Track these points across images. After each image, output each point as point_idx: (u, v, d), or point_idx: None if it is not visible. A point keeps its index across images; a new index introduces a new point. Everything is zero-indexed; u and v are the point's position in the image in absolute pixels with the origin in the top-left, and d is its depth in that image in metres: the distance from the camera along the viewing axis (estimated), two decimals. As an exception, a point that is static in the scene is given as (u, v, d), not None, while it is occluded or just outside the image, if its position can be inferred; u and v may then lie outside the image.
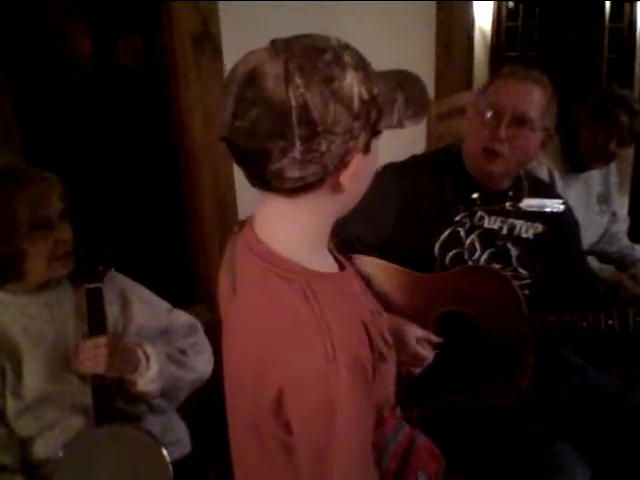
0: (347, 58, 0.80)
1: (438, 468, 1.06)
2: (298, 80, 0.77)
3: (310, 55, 0.78)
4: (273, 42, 0.82)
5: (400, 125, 0.87)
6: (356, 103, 0.79)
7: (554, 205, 1.68)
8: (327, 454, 0.84)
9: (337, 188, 0.85)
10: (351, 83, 0.79)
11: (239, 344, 0.93)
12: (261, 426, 0.91)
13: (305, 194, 0.84)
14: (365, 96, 0.80)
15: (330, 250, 0.99)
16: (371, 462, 0.89)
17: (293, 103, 0.76)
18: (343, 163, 0.82)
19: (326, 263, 0.94)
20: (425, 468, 1.02)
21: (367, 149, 0.85)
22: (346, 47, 0.82)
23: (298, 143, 0.78)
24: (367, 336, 0.87)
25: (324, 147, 0.79)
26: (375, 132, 0.85)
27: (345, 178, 0.84)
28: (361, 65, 0.81)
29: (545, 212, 1.65)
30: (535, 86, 1.51)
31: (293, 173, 0.81)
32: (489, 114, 1.51)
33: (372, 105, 0.81)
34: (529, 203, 1.65)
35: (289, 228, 0.89)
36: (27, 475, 1.34)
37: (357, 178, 0.86)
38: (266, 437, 0.91)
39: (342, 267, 0.98)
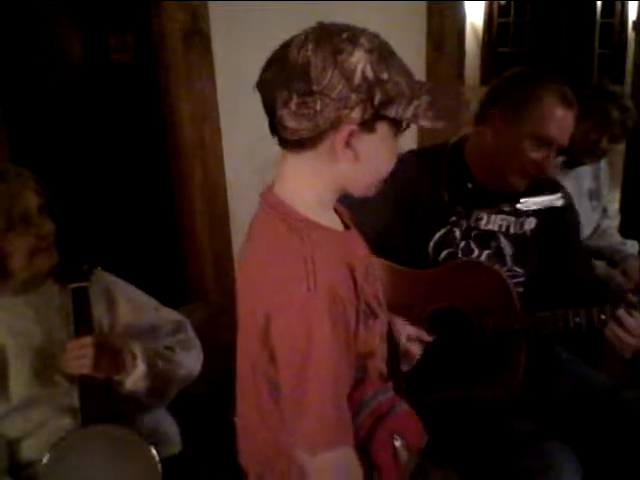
0: (363, 40, 0.88)
1: (418, 440, 1.08)
2: (310, 45, 0.88)
3: (331, 31, 0.89)
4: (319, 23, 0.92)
5: (415, 120, 0.92)
6: (357, 77, 0.87)
7: (553, 201, 1.67)
8: (302, 382, 0.92)
9: (333, 155, 0.92)
10: (357, 59, 0.87)
11: (243, 283, 1.02)
12: (255, 364, 0.99)
13: (306, 151, 0.93)
14: (370, 75, 0.87)
15: (339, 213, 1.07)
16: (343, 399, 0.95)
17: (299, 61, 0.88)
18: (334, 127, 0.89)
19: (332, 221, 1.02)
20: (402, 434, 1.04)
21: (370, 128, 0.91)
22: (370, 34, 0.90)
23: (295, 96, 0.88)
24: (353, 281, 0.95)
25: (318, 106, 0.88)
26: (380, 114, 0.90)
27: (338, 145, 0.91)
28: (379, 52, 0.88)
29: (543, 208, 1.64)
30: (574, 112, 1.50)
31: (290, 123, 0.90)
32: (535, 140, 1.49)
33: (377, 86, 0.88)
34: (528, 201, 1.64)
35: (299, 187, 0.98)
36: (14, 476, 1.33)
37: (359, 155, 0.93)
38: (258, 376, 0.99)
39: (348, 228, 1.07)
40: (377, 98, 0.88)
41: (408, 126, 0.97)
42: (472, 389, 1.52)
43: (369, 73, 0.87)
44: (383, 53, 0.89)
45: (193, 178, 2.21)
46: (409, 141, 2.59)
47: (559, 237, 1.66)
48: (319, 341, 0.90)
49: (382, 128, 0.93)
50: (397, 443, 1.03)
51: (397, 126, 0.94)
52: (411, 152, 1.74)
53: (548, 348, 1.70)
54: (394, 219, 1.58)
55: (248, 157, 2.16)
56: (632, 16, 5.21)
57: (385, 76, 0.88)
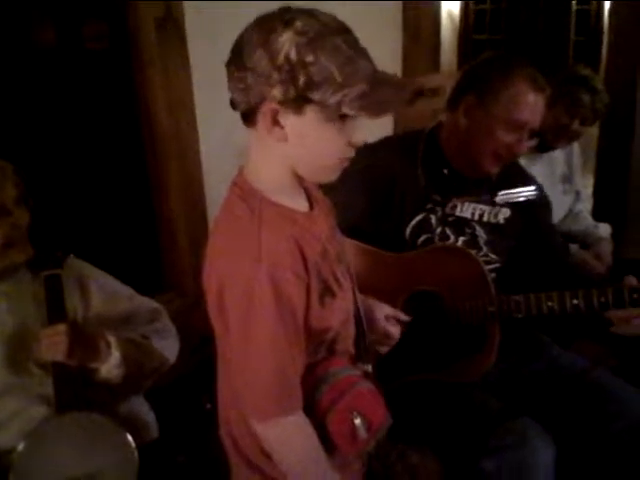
0: (299, 23, 0.90)
1: (380, 420, 1.08)
2: (253, 24, 0.93)
3: (277, 13, 0.93)
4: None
5: (339, 108, 0.92)
6: (281, 57, 0.89)
7: (528, 193, 1.70)
8: (244, 351, 0.97)
9: (270, 131, 0.95)
10: (284, 40, 0.89)
11: (207, 260, 1.04)
12: (219, 338, 1.04)
13: (254, 127, 0.97)
14: (293, 57, 0.89)
15: (309, 191, 1.09)
16: (288, 369, 0.98)
17: (243, 37, 0.93)
18: (261, 103, 0.93)
19: (292, 201, 1.04)
20: (363, 412, 1.05)
21: (296, 109, 0.93)
22: (312, 17, 0.91)
23: (234, 69, 0.94)
24: (302, 257, 0.98)
25: (249, 81, 0.92)
26: (305, 97, 0.91)
27: (264, 121, 0.94)
28: (312, 35, 0.89)
29: (517, 201, 1.67)
30: (544, 96, 1.53)
31: (233, 94, 0.96)
32: (508, 124, 1.51)
33: (300, 68, 0.89)
34: (504, 193, 1.66)
35: (258, 165, 1.02)
36: (-10, 465, 1.32)
37: (287, 135, 0.95)
38: (220, 346, 1.04)
39: (312, 209, 1.08)
40: (301, 80, 0.90)
41: (343, 114, 0.94)
42: (446, 371, 1.54)
43: (293, 54, 0.89)
44: (317, 37, 0.90)
45: (169, 166, 2.20)
46: (385, 128, 2.61)
47: (533, 227, 1.69)
48: (259, 310, 0.94)
49: (311, 112, 0.93)
50: (357, 421, 1.04)
51: (329, 111, 0.93)
52: (389, 138, 1.74)
53: (521, 330, 1.73)
54: (372, 204, 1.59)
55: (224, 145, 2.15)
56: (608, 4, 5.24)
57: (310, 59, 0.89)
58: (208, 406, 1.14)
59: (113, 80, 2.25)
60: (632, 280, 1.44)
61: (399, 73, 2.72)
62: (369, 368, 1.18)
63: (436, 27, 2.95)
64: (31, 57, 2.25)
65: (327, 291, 1.02)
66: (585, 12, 5.55)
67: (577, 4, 5.45)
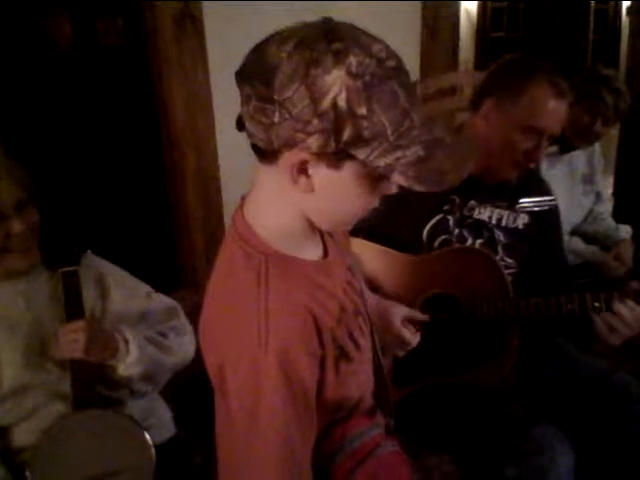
0: (353, 60, 0.72)
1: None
2: (289, 45, 0.74)
3: (322, 36, 0.74)
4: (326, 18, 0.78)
5: (389, 173, 0.78)
6: (326, 102, 0.73)
7: (545, 203, 1.68)
8: (251, 438, 0.84)
9: (295, 181, 0.81)
10: (333, 81, 0.72)
11: (204, 313, 0.93)
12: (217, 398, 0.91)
13: (268, 164, 0.82)
14: (342, 104, 0.73)
15: (324, 235, 0.97)
16: (294, 456, 0.86)
17: (270, 60, 0.74)
18: (288, 147, 0.77)
19: (305, 251, 0.92)
20: (385, 477, 0.98)
21: (332, 164, 0.78)
22: (365, 49, 0.74)
23: (254, 97, 0.76)
24: (316, 328, 0.85)
25: (275, 118, 0.75)
26: (346, 152, 0.77)
27: (289, 168, 0.79)
28: (368, 79, 0.73)
29: (535, 209, 1.66)
30: (566, 102, 1.49)
31: (247, 124, 0.80)
32: (526, 130, 1.49)
33: (348, 119, 0.73)
34: (523, 201, 1.65)
35: (265, 205, 0.88)
36: (7, 463, 1.32)
37: (315, 187, 0.81)
38: (218, 406, 0.92)
39: (326, 255, 0.96)
40: (346, 133, 0.74)
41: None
42: (465, 375, 1.53)
43: (342, 102, 0.72)
44: (374, 82, 0.73)
45: (186, 164, 2.20)
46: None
47: (548, 235, 1.69)
48: (267, 396, 0.82)
49: (350, 167, 0.79)
50: None
51: (372, 170, 0.79)
52: None
53: (540, 334, 1.71)
54: (391, 205, 1.58)
55: (242, 143, 2.14)
56: (626, 2, 5.19)
57: (362, 111, 0.73)
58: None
59: (130, 77, 2.26)
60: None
61: (417, 72, 2.70)
62: (391, 422, 1.12)
63: (454, 26, 2.92)
64: (49, 54, 2.26)
65: (342, 356, 0.90)
66: (603, 11, 5.50)
67: (596, 3, 5.40)
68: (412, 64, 2.71)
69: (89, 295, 1.41)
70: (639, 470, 1.46)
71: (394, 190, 0.86)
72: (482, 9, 5.36)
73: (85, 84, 2.29)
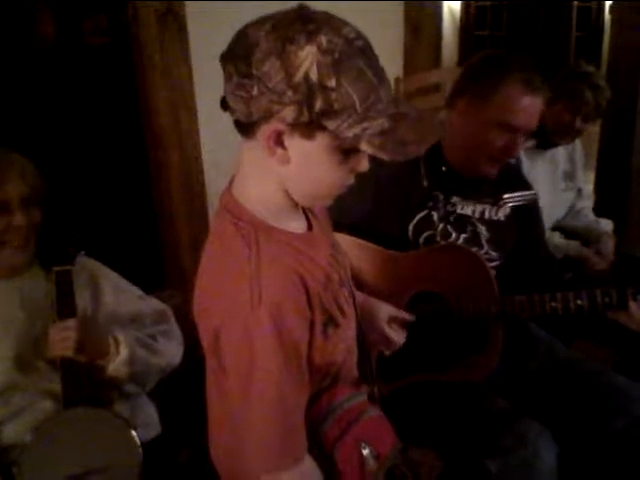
0: (323, 38, 0.79)
1: (389, 447, 1.05)
2: (267, 25, 0.81)
3: (299, 17, 0.81)
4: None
5: (356, 143, 0.84)
6: (299, 75, 0.79)
7: (526, 197, 1.70)
8: (245, 403, 0.89)
9: (272, 152, 0.86)
10: (305, 56, 0.79)
11: (197, 282, 0.97)
12: (210, 365, 0.97)
13: (249, 139, 0.88)
14: (313, 78, 0.79)
15: (307, 212, 1.02)
16: (291, 417, 0.92)
17: (250, 39, 0.81)
18: (265, 119, 0.83)
19: (289, 222, 0.97)
20: (371, 441, 1.02)
21: (306, 134, 0.84)
22: (337, 31, 0.81)
23: (235, 75, 0.83)
24: (305, 290, 0.91)
25: (254, 92, 0.81)
26: (318, 123, 0.82)
27: (266, 139, 0.85)
28: (338, 55, 0.79)
29: (517, 204, 1.68)
30: (541, 97, 1.50)
31: (230, 101, 0.86)
32: (501, 127, 1.49)
33: (319, 91, 0.80)
34: (504, 196, 1.67)
35: (250, 180, 0.93)
36: (-4, 460, 1.32)
37: (290, 158, 0.87)
38: (210, 378, 0.97)
39: (310, 229, 1.01)
40: (318, 104, 0.80)
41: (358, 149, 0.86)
42: (449, 372, 1.53)
43: (313, 75, 0.79)
44: (342, 58, 0.80)
45: (170, 162, 2.20)
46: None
47: (530, 227, 1.71)
48: (261, 357, 0.87)
49: (322, 139, 0.84)
50: (365, 451, 1.01)
51: (342, 142, 0.85)
52: None
53: (522, 326, 1.73)
54: (376, 202, 1.59)
55: (225, 140, 2.13)
56: (608, 1, 5.24)
57: (332, 84, 0.79)
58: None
59: (114, 75, 2.25)
60: None
61: (400, 69, 2.71)
62: (375, 389, 1.15)
63: (437, 23, 2.94)
64: (33, 53, 2.25)
65: (330, 321, 0.96)
66: (586, 9, 5.55)
67: (578, 1, 5.45)
68: (396, 61, 2.72)
69: (82, 295, 1.42)
70: (621, 463, 1.47)
71: (364, 165, 0.91)
72: (466, 7, 5.39)
73: (69, 83, 2.28)
